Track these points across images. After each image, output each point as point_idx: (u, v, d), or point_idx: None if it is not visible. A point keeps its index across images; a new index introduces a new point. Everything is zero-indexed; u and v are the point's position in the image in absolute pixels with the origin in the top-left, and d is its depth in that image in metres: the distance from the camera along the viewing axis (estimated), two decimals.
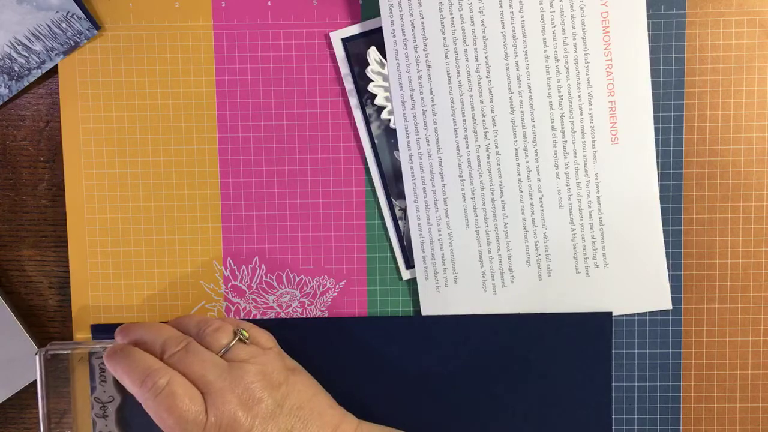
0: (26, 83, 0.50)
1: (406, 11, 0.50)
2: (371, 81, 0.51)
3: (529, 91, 0.50)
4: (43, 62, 0.50)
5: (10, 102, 0.51)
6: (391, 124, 0.51)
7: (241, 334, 0.47)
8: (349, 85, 0.51)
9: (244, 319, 0.52)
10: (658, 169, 0.51)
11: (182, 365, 0.44)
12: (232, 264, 0.52)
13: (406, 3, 0.49)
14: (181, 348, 0.45)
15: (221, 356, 0.46)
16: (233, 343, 0.46)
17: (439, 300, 0.52)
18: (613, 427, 0.53)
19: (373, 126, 0.51)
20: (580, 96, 0.50)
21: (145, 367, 0.44)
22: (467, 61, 0.50)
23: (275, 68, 0.51)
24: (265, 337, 0.49)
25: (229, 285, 0.52)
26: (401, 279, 0.52)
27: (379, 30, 0.50)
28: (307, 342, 0.52)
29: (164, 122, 0.51)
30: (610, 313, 0.52)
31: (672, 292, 0.52)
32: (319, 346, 0.52)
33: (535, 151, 0.51)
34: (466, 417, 0.52)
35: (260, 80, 0.51)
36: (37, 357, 0.50)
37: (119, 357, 0.45)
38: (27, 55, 0.50)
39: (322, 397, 0.47)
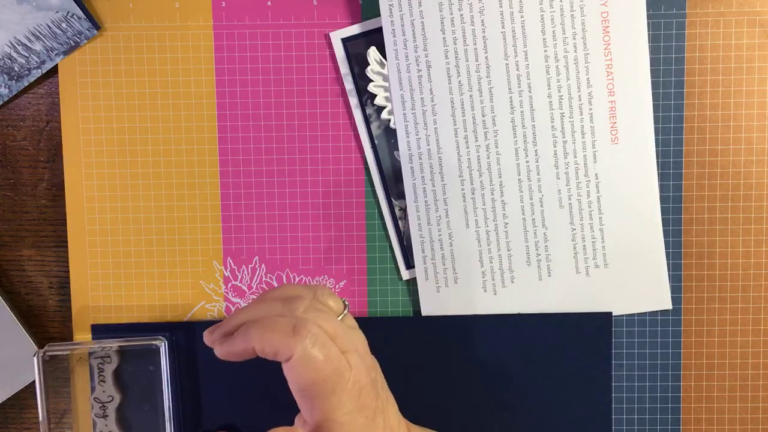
0: (26, 83, 0.50)
1: (406, 11, 0.50)
2: (371, 81, 0.51)
3: (529, 91, 0.50)
4: (43, 62, 0.50)
5: (10, 102, 0.51)
6: (391, 124, 0.51)
7: (347, 305, 0.44)
8: (349, 85, 0.51)
9: None
10: (658, 169, 0.51)
11: (320, 320, 0.40)
12: (232, 264, 0.52)
13: (406, 3, 0.49)
14: (309, 306, 0.41)
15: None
16: (345, 311, 0.43)
17: (439, 300, 0.52)
18: (613, 427, 0.53)
19: (373, 126, 0.51)
20: (580, 96, 0.50)
21: (287, 321, 0.39)
22: (467, 61, 0.50)
23: (275, 68, 0.51)
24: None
25: (229, 285, 0.52)
26: (401, 279, 0.52)
27: (379, 30, 0.50)
28: None
29: (164, 122, 0.51)
30: (610, 313, 0.52)
31: (672, 292, 0.52)
32: None
33: (535, 151, 0.51)
34: (466, 417, 0.52)
35: (260, 80, 0.51)
36: (35, 358, 0.50)
37: (245, 329, 0.40)
38: (27, 55, 0.50)
39: None
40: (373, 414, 0.41)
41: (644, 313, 0.52)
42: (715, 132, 0.51)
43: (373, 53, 0.50)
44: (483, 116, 0.50)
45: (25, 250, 0.53)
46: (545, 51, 0.50)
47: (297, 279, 0.52)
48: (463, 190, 0.51)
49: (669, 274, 0.52)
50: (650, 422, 0.53)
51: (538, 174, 0.51)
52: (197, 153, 0.52)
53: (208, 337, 0.43)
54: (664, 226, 0.52)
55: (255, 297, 0.52)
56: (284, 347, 0.39)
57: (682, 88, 0.51)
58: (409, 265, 0.52)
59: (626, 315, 0.52)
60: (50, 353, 0.51)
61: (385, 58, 0.50)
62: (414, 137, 0.51)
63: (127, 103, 0.51)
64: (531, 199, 0.51)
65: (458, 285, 0.52)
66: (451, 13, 0.50)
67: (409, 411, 0.50)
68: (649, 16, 0.50)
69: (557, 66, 0.50)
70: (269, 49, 0.51)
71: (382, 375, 0.44)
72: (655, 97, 0.51)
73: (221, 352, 0.41)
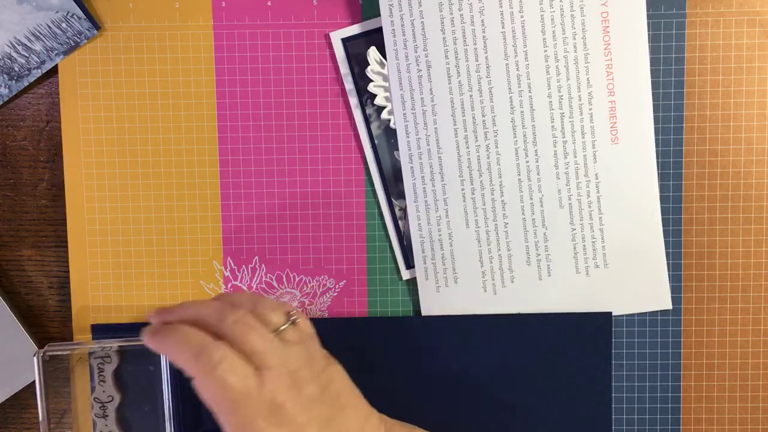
0: (26, 83, 0.50)
1: (406, 11, 0.50)
2: (371, 81, 0.51)
3: (529, 91, 0.50)
4: (43, 62, 0.50)
5: (10, 102, 0.51)
6: (391, 124, 0.51)
7: (293, 318, 0.45)
8: (349, 85, 0.51)
9: None
10: (658, 169, 0.51)
11: (241, 336, 0.42)
12: (232, 264, 0.52)
13: (406, 3, 0.49)
14: (240, 318, 0.43)
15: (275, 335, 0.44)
16: (286, 325, 0.44)
17: (439, 300, 0.52)
18: (613, 427, 0.53)
19: (373, 126, 0.51)
20: (580, 96, 0.50)
21: (198, 341, 0.42)
22: (467, 61, 0.50)
23: (275, 68, 0.51)
24: (307, 323, 0.46)
25: (229, 285, 0.52)
26: (401, 279, 0.52)
27: (379, 30, 0.50)
28: None
29: (164, 122, 0.51)
30: (610, 313, 0.52)
31: (672, 292, 0.52)
32: None
33: (535, 151, 0.51)
34: (466, 417, 0.52)
35: (260, 80, 0.51)
36: (35, 358, 0.50)
37: (166, 333, 0.43)
38: (27, 55, 0.50)
39: (353, 387, 0.46)
40: (301, 428, 0.42)
41: (644, 313, 0.52)
42: (715, 132, 0.51)
43: (373, 53, 0.50)
44: (483, 116, 0.50)
45: (25, 250, 0.53)
46: (545, 51, 0.50)
47: (297, 279, 0.52)
48: (463, 190, 0.51)
49: (669, 274, 0.52)
50: (650, 422, 0.53)
51: (538, 174, 0.51)
52: (197, 153, 0.52)
53: (153, 317, 0.45)
54: (664, 226, 0.52)
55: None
56: (187, 368, 0.41)
57: (682, 88, 0.51)
58: (409, 265, 0.52)
59: (626, 315, 0.52)
60: (50, 353, 0.51)
61: (385, 58, 0.50)
62: (414, 137, 0.51)
63: (127, 103, 0.51)
64: (531, 199, 0.51)
65: (458, 285, 0.52)
66: (451, 13, 0.50)
67: (408, 411, 0.50)
68: (649, 16, 0.50)
69: (557, 66, 0.50)
70: (269, 49, 0.51)
71: (343, 382, 0.45)
72: (655, 97, 0.51)
73: (146, 340, 0.43)
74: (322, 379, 0.44)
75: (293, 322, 0.44)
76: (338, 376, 0.45)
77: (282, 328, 0.44)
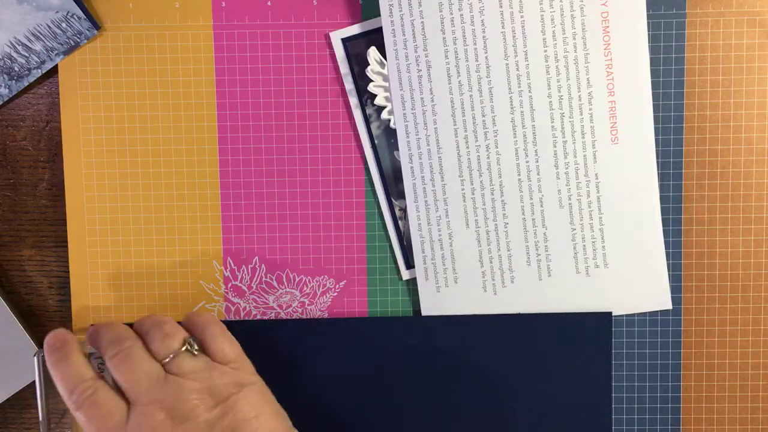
0: (26, 83, 0.50)
1: (406, 11, 0.50)
2: (371, 81, 0.51)
3: (529, 91, 0.50)
4: (43, 62, 0.50)
5: (10, 102, 0.51)
6: (391, 124, 0.51)
7: (190, 345, 0.45)
8: (349, 85, 0.51)
9: (234, 320, 0.52)
10: (658, 169, 0.51)
11: (117, 371, 0.44)
12: (232, 264, 0.52)
13: (406, 3, 0.49)
14: (120, 351, 0.44)
15: (164, 364, 0.44)
16: (179, 353, 0.44)
17: (439, 300, 0.52)
18: (613, 427, 0.53)
19: (373, 126, 0.51)
20: (580, 96, 0.50)
21: (77, 376, 0.44)
22: (467, 61, 0.50)
23: (275, 68, 0.51)
24: (229, 347, 0.46)
25: (229, 285, 0.52)
26: (401, 279, 0.52)
27: (379, 30, 0.50)
28: (307, 342, 0.52)
29: (164, 122, 0.51)
30: (610, 313, 0.52)
31: (672, 292, 0.52)
32: (319, 346, 0.52)
33: (535, 151, 0.51)
34: (466, 417, 0.52)
35: (260, 80, 0.51)
36: (36, 359, 0.50)
37: (58, 359, 0.45)
38: (27, 55, 0.50)
39: (267, 418, 0.44)
40: None
41: (644, 313, 0.52)
42: (715, 132, 0.51)
43: (373, 53, 0.50)
44: (483, 116, 0.50)
45: (25, 250, 0.53)
46: (545, 51, 0.50)
47: (297, 279, 0.52)
48: (463, 190, 0.51)
49: (669, 274, 0.52)
50: (650, 422, 0.53)
51: (538, 174, 0.51)
52: (197, 153, 0.52)
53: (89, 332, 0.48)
54: (664, 226, 0.52)
55: (255, 297, 0.52)
56: (64, 400, 0.45)
57: (682, 88, 0.51)
58: (409, 265, 0.52)
59: (626, 315, 0.52)
60: None
61: (385, 58, 0.50)
62: (414, 137, 0.51)
63: (127, 103, 0.51)
64: (531, 199, 0.51)
65: (458, 285, 0.52)
66: (451, 13, 0.50)
67: (407, 411, 0.50)
68: (649, 16, 0.50)
69: (557, 66, 0.50)
70: (269, 49, 0.51)
71: (247, 410, 0.43)
72: (655, 97, 0.51)
73: (45, 355, 0.46)
74: (212, 413, 0.43)
75: (188, 351, 0.45)
76: (243, 404, 0.44)
77: (170, 357, 0.44)
